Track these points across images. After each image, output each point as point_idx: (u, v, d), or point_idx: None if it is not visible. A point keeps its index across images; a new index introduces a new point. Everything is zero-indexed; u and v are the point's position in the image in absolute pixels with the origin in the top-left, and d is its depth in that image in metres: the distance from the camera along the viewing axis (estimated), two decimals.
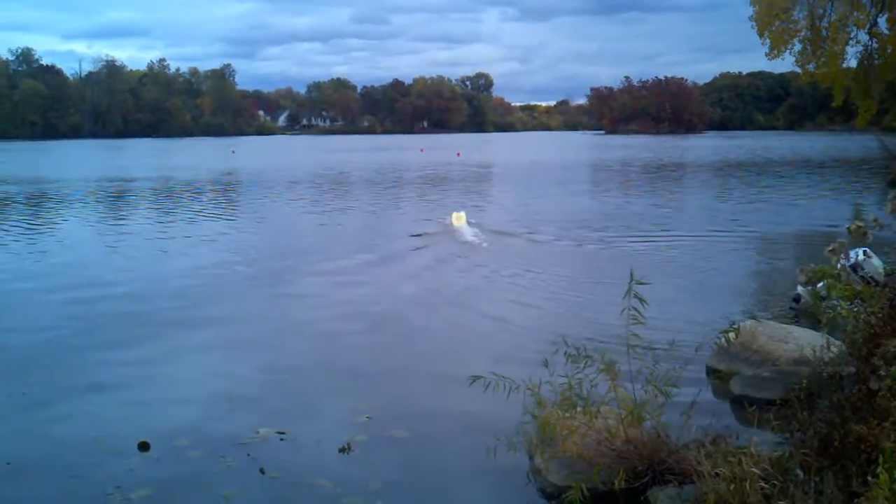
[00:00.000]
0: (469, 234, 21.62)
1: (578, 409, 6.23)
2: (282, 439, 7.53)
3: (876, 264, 11.69)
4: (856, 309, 9.26)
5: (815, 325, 10.38)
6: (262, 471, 6.83)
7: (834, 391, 6.53)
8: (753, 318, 10.01)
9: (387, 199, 33.05)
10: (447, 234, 21.65)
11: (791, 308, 11.92)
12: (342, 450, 7.22)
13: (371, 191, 37.49)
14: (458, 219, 23.45)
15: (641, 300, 6.15)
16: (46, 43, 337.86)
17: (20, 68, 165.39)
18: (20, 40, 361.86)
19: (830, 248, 12.56)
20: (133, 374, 9.76)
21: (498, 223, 23.99)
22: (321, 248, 19.45)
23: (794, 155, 66.10)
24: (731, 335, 7.74)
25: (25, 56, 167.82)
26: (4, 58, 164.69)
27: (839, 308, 10.05)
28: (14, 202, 32.40)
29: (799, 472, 5.35)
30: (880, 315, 6.97)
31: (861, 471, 5.07)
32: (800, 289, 12.00)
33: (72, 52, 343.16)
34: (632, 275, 6.13)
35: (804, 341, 8.85)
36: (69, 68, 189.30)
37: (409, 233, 21.90)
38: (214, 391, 9.09)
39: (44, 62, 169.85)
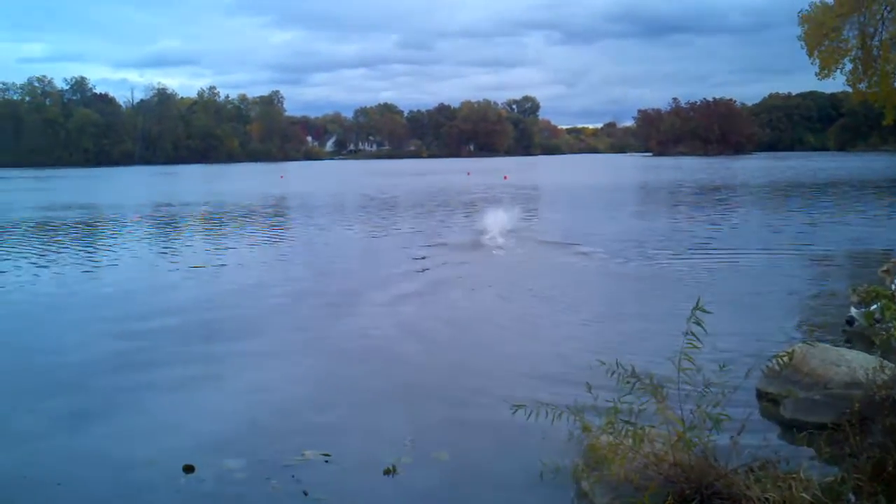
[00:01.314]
0: (502, 239, 22.32)
1: (625, 432, 6.15)
2: (326, 461, 7.54)
3: None
4: None
5: (868, 348, 10.16)
6: (305, 493, 6.84)
7: (887, 415, 6.37)
8: (805, 342, 9.83)
9: (435, 219, 33.06)
10: (484, 249, 21.85)
11: (844, 331, 11.68)
12: (387, 472, 7.21)
13: (419, 212, 37.52)
14: (495, 223, 24.24)
15: (701, 325, 6.07)
16: (99, 72, 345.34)
17: (74, 97, 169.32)
18: (74, 70, 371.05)
19: (884, 268, 12.36)
20: (181, 395, 9.86)
21: (545, 238, 24.01)
22: (368, 270, 19.50)
23: (849, 175, 65.08)
24: (784, 359, 7.59)
25: (79, 85, 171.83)
26: (59, 87, 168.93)
27: (893, 330, 9.84)
28: (71, 227, 32.97)
29: (851, 496, 5.23)
30: None
31: None
32: (853, 310, 11.77)
33: (124, 80, 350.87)
34: (698, 302, 6.08)
35: (857, 364, 8.67)
36: (121, 96, 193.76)
37: (450, 247, 22.03)
38: (260, 413, 9.15)
39: (97, 91, 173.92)
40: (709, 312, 6.06)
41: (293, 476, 7.18)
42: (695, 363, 6.13)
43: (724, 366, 6.55)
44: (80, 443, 8.32)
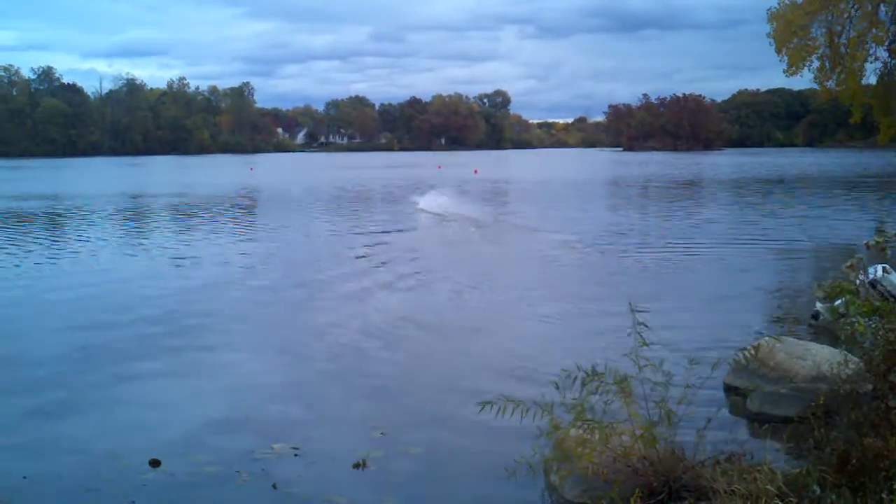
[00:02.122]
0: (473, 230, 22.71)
1: (593, 427, 6.18)
2: (296, 455, 7.52)
3: (895, 280, 11.58)
4: (874, 325, 9.18)
5: (833, 342, 10.28)
6: (274, 486, 6.82)
7: (852, 408, 6.45)
8: (772, 336, 9.93)
9: (403, 214, 32.99)
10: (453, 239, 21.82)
11: (809, 325, 11.83)
12: (357, 465, 7.21)
13: (387, 207, 37.43)
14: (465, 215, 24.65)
15: (645, 325, 6.16)
16: (67, 62, 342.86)
17: (41, 87, 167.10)
18: (41, 59, 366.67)
19: (848, 263, 12.50)
20: (150, 389, 9.81)
21: (517, 229, 24.07)
22: (336, 264, 19.42)
23: (818, 172, 65.81)
24: (750, 352, 7.67)
25: (47, 75, 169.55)
26: (26, 77, 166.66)
27: (857, 325, 9.96)
28: (37, 218, 32.62)
29: (816, 488, 5.30)
30: None
31: (878, 488, 5.02)
32: (818, 305, 11.91)
33: (93, 70, 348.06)
34: (631, 308, 6.16)
35: (822, 358, 8.77)
36: (90, 87, 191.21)
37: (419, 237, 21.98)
38: (230, 407, 9.12)
39: (65, 81, 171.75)
40: (645, 311, 6.15)
41: (263, 469, 7.16)
42: (649, 359, 6.19)
43: (693, 361, 6.61)
44: (48, 434, 8.24)
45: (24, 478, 7.15)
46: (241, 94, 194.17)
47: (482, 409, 6.16)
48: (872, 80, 42.69)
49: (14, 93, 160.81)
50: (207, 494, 6.86)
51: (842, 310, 11.34)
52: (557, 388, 6.25)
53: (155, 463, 7.30)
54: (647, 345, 6.16)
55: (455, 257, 20.51)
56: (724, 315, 13.14)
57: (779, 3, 41.97)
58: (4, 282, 17.48)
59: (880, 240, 14.61)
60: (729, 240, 22.92)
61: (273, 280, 17.33)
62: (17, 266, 19.77)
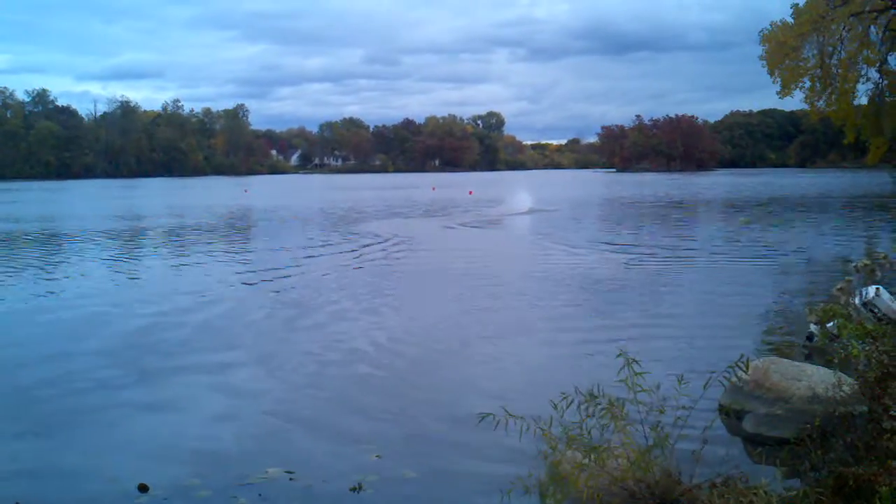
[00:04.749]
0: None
1: (589, 449, 6.19)
2: (291, 479, 7.48)
3: (888, 301, 11.60)
4: (867, 348, 9.20)
5: (829, 362, 10.30)
6: None
7: (847, 431, 6.47)
8: (766, 356, 9.95)
9: (403, 235, 33.00)
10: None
11: (804, 346, 11.85)
12: (353, 489, 7.18)
13: (386, 226, 37.41)
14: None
15: (635, 361, 6.21)
16: (62, 84, 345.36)
17: (36, 109, 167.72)
18: (36, 82, 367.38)
19: (839, 286, 12.52)
20: (141, 414, 9.74)
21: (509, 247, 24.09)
22: (331, 285, 19.39)
23: (817, 192, 66.05)
24: (741, 371, 7.66)
25: (41, 97, 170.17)
26: (20, 99, 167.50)
27: (850, 348, 9.99)
28: (29, 241, 32.58)
29: None
30: (893, 354, 6.93)
31: None
32: (812, 327, 11.93)
33: (87, 93, 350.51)
34: (625, 356, 6.19)
35: (817, 379, 8.78)
36: (84, 109, 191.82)
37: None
38: (223, 431, 9.06)
39: (59, 103, 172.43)
40: (638, 327, 6.15)
41: (260, 494, 7.12)
42: (644, 386, 6.21)
43: (682, 380, 6.61)
44: (41, 459, 8.19)
45: (17, 503, 7.11)
46: (235, 116, 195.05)
47: (481, 419, 6.16)
48: (864, 100, 43.02)
49: (8, 115, 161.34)
50: None
51: (834, 331, 11.36)
52: (556, 408, 6.25)
53: (143, 488, 7.24)
54: (641, 375, 6.18)
55: (452, 274, 20.50)
56: (718, 331, 13.09)
57: (771, 25, 42.34)
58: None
59: (869, 262, 14.65)
60: (726, 258, 22.99)
61: (265, 300, 17.28)
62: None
